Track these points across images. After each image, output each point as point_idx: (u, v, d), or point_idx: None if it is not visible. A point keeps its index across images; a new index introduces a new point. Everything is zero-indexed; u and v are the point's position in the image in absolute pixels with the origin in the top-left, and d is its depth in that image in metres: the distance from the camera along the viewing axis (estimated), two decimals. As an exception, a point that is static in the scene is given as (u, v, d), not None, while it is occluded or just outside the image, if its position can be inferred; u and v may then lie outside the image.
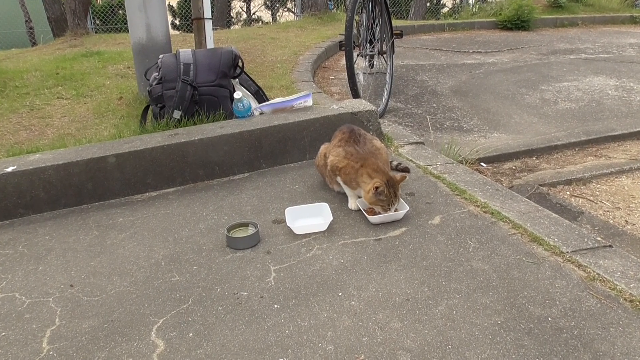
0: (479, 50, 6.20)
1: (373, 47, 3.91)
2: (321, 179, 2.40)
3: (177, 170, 2.43)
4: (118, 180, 2.34)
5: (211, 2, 3.57)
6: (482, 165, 3.07)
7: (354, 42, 3.47)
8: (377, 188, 1.91)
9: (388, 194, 1.92)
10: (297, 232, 1.96)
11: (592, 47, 6.43)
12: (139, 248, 1.93)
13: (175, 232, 2.03)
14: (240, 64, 2.91)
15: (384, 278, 1.67)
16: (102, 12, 10.95)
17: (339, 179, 2.13)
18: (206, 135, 2.46)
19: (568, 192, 2.73)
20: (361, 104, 2.81)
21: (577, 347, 1.38)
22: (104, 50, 5.13)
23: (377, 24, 3.87)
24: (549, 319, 1.48)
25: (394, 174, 2.01)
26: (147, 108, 2.91)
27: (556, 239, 1.81)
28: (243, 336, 1.45)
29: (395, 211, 2.02)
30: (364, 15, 3.69)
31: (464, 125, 3.78)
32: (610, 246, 1.76)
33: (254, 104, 2.92)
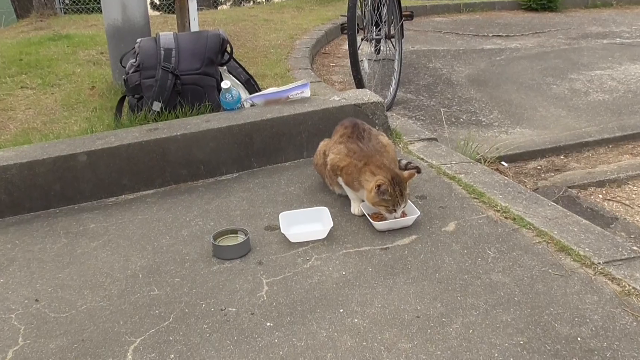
0: (500, 34, 6.21)
1: (379, 30, 3.92)
2: (320, 180, 2.40)
3: (156, 169, 2.43)
4: (90, 181, 2.34)
5: (196, -21, 3.58)
6: (502, 165, 3.07)
7: (357, 25, 3.48)
8: (379, 186, 1.91)
9: (393, 192, 1.92)
10: (292, 240, 1.96)
11: (629, 30, 6.44)
12: (114, 258, 1.93)
13: (155, 240, 2.03)
14: (228, 49, 2.91)
15: (391, 292, 1.67)
16: (72, -10, 10.95)
17: (340, 179, 2.14)
18: (190, 130, 2.47)
19: (600, 195, 2.73)
20: (366, 95, 2.82)
21: (609, 370, 1.38)
22: (74, 34, 5.13)
23: (384, 4, 3.88)
24: (579, 339, 1.48)
25: (402, 172, 2.02)
26: (122, 99, 2.91)
27: (587, 249, 1.82)
28: (231, 358, 1.45)
29: (402, 215, 2.03)
30: (369, -7, 3.70)
31: (483, 119, 3.79)
32: (647, 256, 1.76)
33: (244, 94, 2.93)
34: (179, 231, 2.08)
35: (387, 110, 2.95)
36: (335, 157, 2.13)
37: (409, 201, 2.05)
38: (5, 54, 4.33)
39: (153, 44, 2.79)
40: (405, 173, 2.02)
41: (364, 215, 2.07)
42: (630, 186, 2.83)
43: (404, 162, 2.48)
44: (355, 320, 1.57)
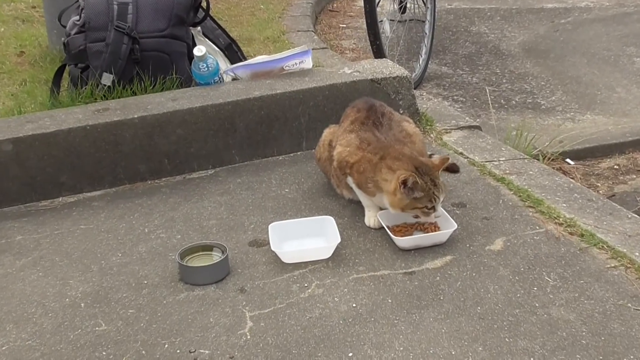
0: (566, -13, 6.20)
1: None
2: (324, 180, 2.40)
3: (106, 164, 2.43)
4: (16, 179, 2.34)
5: None
6: (567, 163, 3.07)
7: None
8: (404, 182, 1.91)
9: (424, 185, 1.93)
10: (286, 260, 1.96)
11: None
12: (47, 281, 1.93)
13: (103, 258, 2.03)
14: (204, 4, 2.91)
15: (417, 331, 1.67)
16: None
17: (350, 180, 2.14)
18: (151, 111, 2.46)
19: (698, 205, 2.72)
20: (386, 67, 2.81)
21: None
22: (-2, -19, 5.12)
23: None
24: (667, 396, 1.48)
25: (428, 159, 2.02)
26: (61, 69, 2.91)
27: (679, 276, 1.82)
28: (202, 416, 1.46)
29: (434, 229, 2.02)
30: None
31: (542, 102, 3.78)
32: None
33: (223, 64, 2.93)
34: (134, 246, 2.08)
35: (414, 88, 2.94)
36: (343, 150, 2.13)
37: (443, 211, 2.05)
38: None
39: (103, -4, 2.79)
40: (435, 159, 2.02)
41: (383, 227, 2.07)
42: None
43: (436, 157, 2.48)
44: (369, 367, 1.56)
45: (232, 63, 2.96)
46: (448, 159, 2.05)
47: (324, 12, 5.31)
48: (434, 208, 1.96)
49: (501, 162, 2.51)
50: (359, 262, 1.95)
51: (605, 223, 2.08)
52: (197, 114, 2.49)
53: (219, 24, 3.07)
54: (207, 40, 2.99)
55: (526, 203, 2.21)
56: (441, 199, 1.97)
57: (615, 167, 3.11)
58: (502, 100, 3.77)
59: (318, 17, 5.11)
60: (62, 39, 2.88)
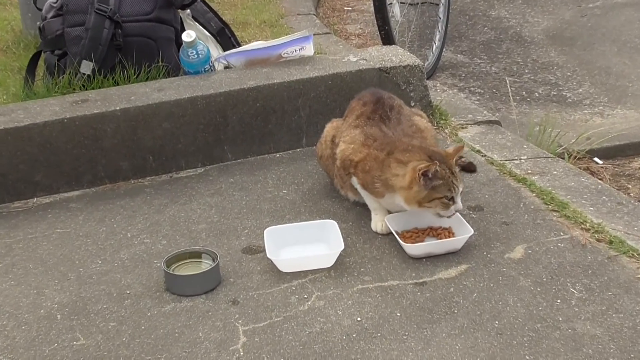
0: (595, -33, 6.19)
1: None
2: (326, 180, 2.40)
3: (85, 161, 2.43)
4: (-14, 177, 2.35)
5: None
6: (595, 162, 3.06)
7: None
8: (425, 172, 1.91)
9: (442, 173, 1.94)
10: (284, 269, 1.96)
11: None
12: (20, 290, 1.93)
13: (81, 265, 2.03)
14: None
15: (429, 348, 1.67)
16: None
17: (354, 180, 2.14)
18: (135, 103, 2.47)
19: None
20: (396, 55, 2.81)
21: None
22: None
23: None
24: None
25: (441, 149, 2.02)
26: (36, 56, 2.92)
27: None
28: None
29: (448, 235, 2.03)
30: None
31: (568, 94, 3.78)
32: None
33: (215, 51, 2.93)
34: (115, 252, 2.08)
35: (427, 79, 2.93)
36: (347, 147, 2.13)
37: (458, 215, 2.05)
38: None
39: (83, -25, 2.79)
40: (449, 149, 2.02)
41: (391, 233, 2.07)
42: None
43: (449, 148, 2.49)
44: (374, 388, 1.57)
45: (224, 50, 2.96)
46: (463, 147, 2.05)
47: (327, -6, 5.30)
48: (453, 199, 1.96)
49: (522, 161, 2.50)
50: (365, 272, 1.95)
51: (636, 229, 2.07)
52: (186, 106, 2.49)
53: (211, 7, 3.06)
54: (197, 24, 2.99)
55: (550, 206, 2.21)
56: (460, 189, 1.97)
57: (648, 166, 3.11)
58: (523, 93, 3.77)
59: (320, -1, 5.10)
60: (38, 23, 2.88)
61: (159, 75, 2.75)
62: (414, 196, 1.96)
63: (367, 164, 2.06)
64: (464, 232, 2.02)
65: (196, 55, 2.69)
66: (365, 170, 2.07)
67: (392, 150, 2.02)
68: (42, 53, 2.87)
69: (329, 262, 1.97)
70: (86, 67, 2.70)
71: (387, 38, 3.50)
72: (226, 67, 2.80)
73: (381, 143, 2.06)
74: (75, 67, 2.70)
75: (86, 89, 2.67)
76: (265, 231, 2.04)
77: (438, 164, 1.91)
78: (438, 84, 3.71)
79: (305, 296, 1.86)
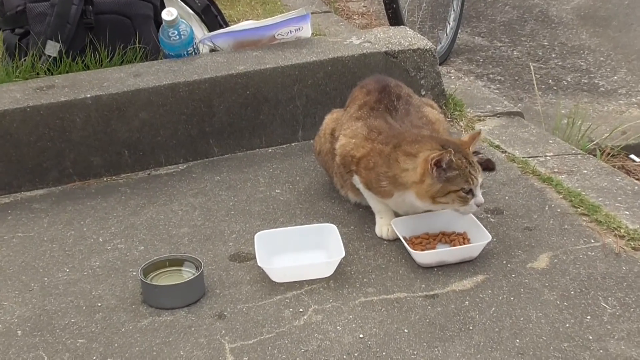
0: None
1: None
2: (325, 178, 2.40)
3: (50, 155, 2.43)
4: (-61, 173, 2.35)
5: None
6: (632, 160, 3.06)
7: None
8: (438, 162, 1.91)
9: (459, 162, 1.94)
10: (276, 278, 1.96)
11: None
12: (-24, 302, 1.93)
13: (45, 274, 2.02)
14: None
15: (440, 370, 1.67)
16: None
17: (356, 179, 2.13)
18: (108, 90, 2.46)
19: None
20: (405, 37, 2.81)
21: None
22: None
23: None
24: None
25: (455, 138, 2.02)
26: (-4, 36, 2.92)
27: None
28: None
29: (463, 242, 2.02)
30: None
31: (600, 83, 3.77)
32: None
33: (199, 31, 2.92)
34: (86, 259, 2.07)
35: (440, 64, 2.93)
36: (348, 142, 2.13)
37: (474, 218, 2.05)
38: None
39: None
40: (464, 137, 2.01)
41: (398, 239, 2.07)
42: None
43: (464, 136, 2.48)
44: (378, 415, 1.56)
45: (210, 30, 2.95)
46: (479, 134, 2.05)
47: (328, -33, 5.30)
48: (471, 192, 1.96)
49: (548, 158, 2.50)
50: (368, 282, 1.94)
51: (677, 235, 2.08)
52: (166, 94, 2.49)
53: (195, -20, 3.06)
54: (179, 0, 2.98)
55: (579, 210, 2.21)
56: (480, 181, 1.97)
57: (691, 165, 3.10)
58: (550, 80, 3.77)
59: (320, -27, 5.10)
60: (-3, -3, 2.87)
61: (135, 59, 2.75)
62: (426, 190, 1.95)
63: (370, 160, 2.06)
64: (480, 238, 2.01)
65: (178, 36, 2.68)
66: (368, 168, 2.06)
67: (399, 142, 2.02)
68: (1, 32, 2.87)
69: (328, 272, 1.96)
70: (52, 48, 2.69)
71: (394, 17, 3.50)
72: (212, 50, 2.80)
73: (386, 136, 2.06)
74: (39, 49, 2.69)
75: (52, 74, 2.67)
76: (255, 236, 2.03)
77: (452, 152, 1.91)
78: (452, 71, 3.71)
79: (301, 310, 1.85)
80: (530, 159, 2.49)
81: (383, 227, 2.12)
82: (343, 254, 1.96)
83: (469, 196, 1.95)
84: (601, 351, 1.70)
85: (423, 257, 1.98)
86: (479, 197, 1.97)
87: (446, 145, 1.96)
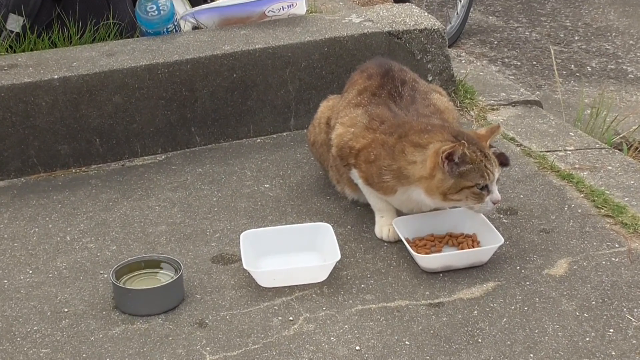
0: None
1: None
2: (319, 171, 2.40)
3: (12, 143, 2.43)
4: None
5: None
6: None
7: None
8: (450, 154, 1.90)
9: (473, 155, 1.93)
10: (264, 283, 1.96)
11: None
12: None
13: (5, 276, 2.02)
14: None
15: (445, 387, 1.68)
16: None
17: (355, 173, 2.13)
18: (78, 70, 2.46)
19: None
20: (410, 16, 2.81)
21: None
22: None
23: None
24: None
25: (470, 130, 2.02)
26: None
27: None
28: None
29: (473, 245, 2.03)
30: None
31: (629, 69, 3.77)
32: None
33: (181, 6, 2.91)
34: (51, 260, 2.07)
35: (449, 46, 2.92)
36: (345, 131, 2.13)
37: (485, 219, 2.05)
38: None
39: None
40: (481, 130, 2.01)
41: (400, 240, 2.06)
42: None
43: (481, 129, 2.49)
44: None
45: (193, 5, 2.95)
46: (499, 127, 2.05)
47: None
48: (487, 188, 1.96)
49: (568, 152, 2.51)
50: (366, 288, 1.94)
51: None
52: (143, 76, 2.49)
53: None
54: (158, -29, 2.98)
55: (602, 211, 2.21)
56: (496, 176, 1.97)
57: None
58: (572, 66, 3.77)
59: (316, -58, 5.09)
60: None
61: (108, 36, 2.74)
62: (437, 186, 1.95)
63: (372, 152, 2.05)
64: (492, 240, 2.01)
65: (157, 11, 2.68)
66: (369, 161, 2.06)
67: (405, 132, 2.02)
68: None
69: (322, 276, 1.97)
70: (14, 22, 2.68)
71: (399, -6, 3.50)
72: (195, 27, 2.79)
73: (390, 125, 2.06)
74: (0, 24, 2.69)
75: (14, 51, 2.66)
76: (241, 235, 2.04)
77: (466, 144, 1.91)
78: (463, 54, 3.70)
79: (291, 318, 1.85)
80: (548, 153, 2.50)
81: (383, 227, 2.13)
82: (338, 257, 1.96)
83: (484, 192, 1.96)
84: (624, 368, 1.71)
85: (427, 261, 1.99)
86: (495, 194, 1.97)
87: (459, 136, 1.96)
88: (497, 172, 1.98)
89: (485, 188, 1.95)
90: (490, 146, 2.39)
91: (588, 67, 3.76)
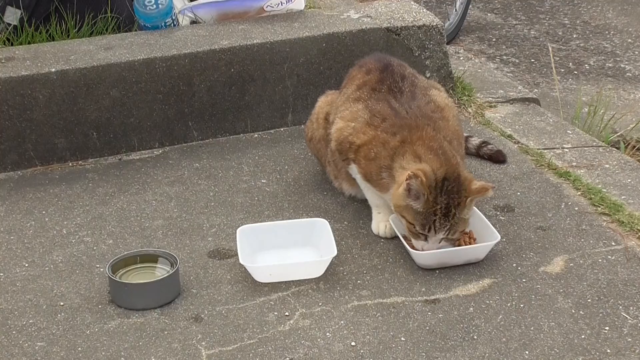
0: None
1: None
2: (317, 167, 2.41)
3: (9, 136, 2.42)
4: None
5: None
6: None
7: None
8: (409, 184, 1.87)
9: (431, 202, 1.89)
10: (260, 278, 1.96)
11: None
12: None
13: (2, 269, 2.01)
14: None
15: (440, 383, 1.68)
16: None
17: (353, 169, 2.13)
18: (75, 64, 2.46)
19: None
20: (409, 12, 2.80)
21: None
22: None
23: None
24: None
25: (468, 175, 1.98)
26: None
27: None
28: None
29: (469, 242, 2.03)
30: None
31: (627, 67, 3.76)
32: None
33: (179, 0, 2.91)
34: (47, 253, 2.07)
35: (448, 43, 2.91)
36: (346, 126, 2.12)
37: (482, 217, 2.06)
38: None
39: None
40: (475, 184, 1.94)
41: (397, 237, 2.07)
42: None
43: (475, 140, 2.48)
44: None
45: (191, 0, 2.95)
46: (488, 189, 1.95)
47: None
48: (423, 236, 1.94)
49: (566, 150, 2.51)
50: (362, 285, 1.95)
51: None
52: (140, 70, 2.49)
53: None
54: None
55: (599, 208, 2.21)
56: (441, 235, 1.94)
57: None
58: (570, 64, 3.77)
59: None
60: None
61: (106, 30, 2.74)
62: (396, 197, 1.95)
63: (372, 149, 2.05)
64: (488, 237, 2.02)
65: (155, 5, 2.67)
66: (369, 158, 2.06)
67: (408, 136, 2.00)
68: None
69: (318, 272, 1.97)
70: (12, 15, 2.68)
71: (398, -11, 3.50)
72: (193, 22, 2.79)
73: (392, 124, 2.04)
74: (-3, 17, 2.69)
75: (12, 44, 2.65)
76: (238, 230, 2.04)
77: (424, 178, 1.86)
78: (461, 51, 3.70)
79: (287, 313, 1.85)
80: (545, 150, 2.50)
81: (380, 223, 2.13)
82: (335, 253, 1.97)
83: (419, 236, 1.94)
84: (619, 366, 1.72)
85: (424, 257, 1.99)
86: (429, 245, 1.95)
87: (448, 177, 1.91)
88: (445, 234, 1.93)
89: (421, 235, 1.94)
90: (487, 143, 2.40)
91: (586, 65, 3.76)
